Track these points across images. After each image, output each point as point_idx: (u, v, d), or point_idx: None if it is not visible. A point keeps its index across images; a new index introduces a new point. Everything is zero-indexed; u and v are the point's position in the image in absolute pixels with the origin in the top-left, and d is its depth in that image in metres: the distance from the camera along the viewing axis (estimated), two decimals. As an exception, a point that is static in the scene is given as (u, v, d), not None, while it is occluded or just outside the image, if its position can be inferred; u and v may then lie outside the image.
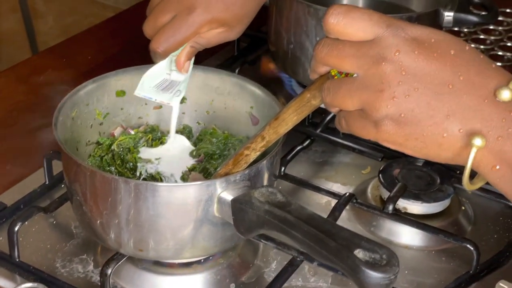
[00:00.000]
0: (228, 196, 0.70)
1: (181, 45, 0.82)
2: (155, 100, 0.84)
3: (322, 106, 0.68)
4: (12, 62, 1.18)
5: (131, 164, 0.83)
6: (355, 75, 0.60)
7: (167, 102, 0.84)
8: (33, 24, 2.55)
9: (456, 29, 1.27)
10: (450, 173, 0.91)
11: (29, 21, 2.50)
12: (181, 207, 0.71)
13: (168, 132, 0.88)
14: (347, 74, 0.61)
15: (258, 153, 0.74)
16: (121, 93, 0.86)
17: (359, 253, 0.59)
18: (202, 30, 0.82)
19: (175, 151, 0.85)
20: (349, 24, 0.60)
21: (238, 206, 0.69)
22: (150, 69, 0.82)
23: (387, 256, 0.59)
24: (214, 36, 0.84)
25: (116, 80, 0.85)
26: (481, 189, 0.90)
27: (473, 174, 0.60)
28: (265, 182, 0.75)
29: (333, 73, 0.63)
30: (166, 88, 0.84)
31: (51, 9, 3.21)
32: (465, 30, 1.29)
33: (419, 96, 0.58)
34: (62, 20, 3.11)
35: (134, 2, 1.41)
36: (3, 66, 1.38)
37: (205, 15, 0.81)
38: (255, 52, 1.17)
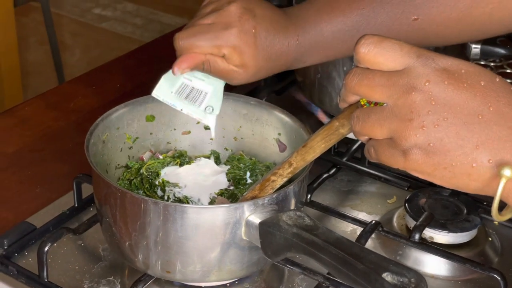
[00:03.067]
0: (256, 219, 0.71)
1: (196, 49, 0.79)
2: (181, 110, 0.82)
3: (350, 136, 0.68)
4: (38, 93, 1.20)
5: (159, 188, 0.84)
6: (384, 105, 0.61)
7: (199, 118, 0.83)
8: (61, 56, 2.59)
9: (483, 62, 1.27)
10: (476, 203, 0.91)
11: (57, 53, 2.55)
12: (209, 230, 0.71)
13: (196, 157, 0.89)
14: (376, 104, 0.62)
15: (284, 179, 0.75)
16: (151, 118, 0.87)
17: (387, 277, 0.60)
18: (221, 52, 0.80)
19: (203, 176, 0.86)
20: (380, 54, 0.61)
21: (266, 229, 0.69)
22: (169, 71, 0.81)
23: (415, 280, 0.59)
24: (225, 68, 0.81)
25: (146, 105, 0.86)
26: (508, 220, 0.91)
27: (502, 205, 0.60)
28: (292, 207, 0.75)
29: (362, 103, 0.64)
30: (189, 97, 0.82)
31: (78, 42, 3.27)
32: (492, 64, 1.29)
33: (448, 126, 0.58)
34: (88, 52, 3.17)
35: (159, 35, 1.43)
36: (30, 96, 1.41)
37: (234, 39, 0.80)
38: (282, 82, 1.18)
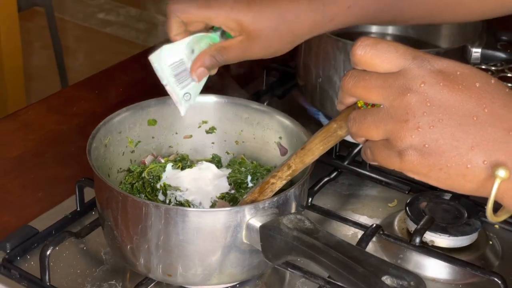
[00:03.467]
0: (257, 223, 0.71)
1: (190, 16, 0.80)
2: (165, 84, 0.82)
3: (348, 139, 0.69)
4: (41, 97, 1.21)
5: (161, 191, 0.84)
6: (381, 106, 0.61)
7: (175, 100, 0.83)
8: (64, 60, 2.60)
9: (483, 67, 1.28)
10: (477, 207, 0.91)
11: (60, 58, 2.55)
12: (210, 233, 0.72)
13: (198, 161, 0.89)
14: (373, 105, 0.62)
15: (284, 182, 0.75)
16: (152, 122, 0.88)
17: (387, 280, 0.60)
18: (217, 21, 0.81)
19: (204, 180, 0.86)
20: (376, 56, 0.61)
21: (266, 232, 0.70)
22: (173, 43, 0.81)
23: (415, 283, 0.60)
24: (233, 46, 0.82)
25: (148, 109, 0.87)
26: (508, 223, 0.92)
27: (498, 207, 0.61)
28: (293, 211, 0.75)
29: (359, 104, 0.64)
30: (179, 75, 0.82)
31: (81, 46, 3.28)
32: (493, 68, 1.29)
33: (443, 127, 0.58)
34: (92, 57, 3.17)
35: (163, 39, 1.44)
36: (33, 100, 1.41)
37: (227, 8, 0.80)
38: (284, 86, 1.19)
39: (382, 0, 0.85)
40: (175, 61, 0.82)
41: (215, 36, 0.84)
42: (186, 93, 0.83)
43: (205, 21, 0.82)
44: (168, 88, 0.82)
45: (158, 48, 0.81)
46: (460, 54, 1.01)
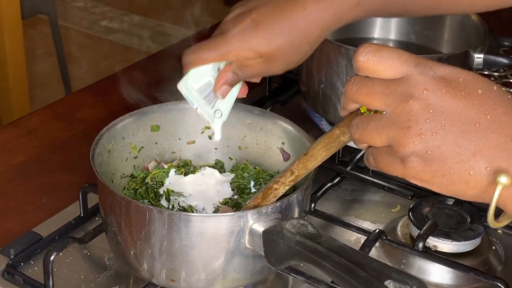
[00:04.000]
0: (260, 228, 0.71)
1: (205, 61, 0.80)
2: (196, 108, 0.82)
3: (351, 144, 0.69)
4: (45, 105, 1.21)
5: (164, 197, 0.84)
6: (383, 112, 0.62)
7: (209, 120, 0.83)
8: (68, 68, 2.61)
9: (486, 72, 1.28)
10: (480, 212, 0.91)
11: (64, 65, 2.56)
12: (213, 238, 0.72)
13: (201, 167, 0.89)
14: (376, 111, 0.63)
15: (287, 188, 0.75)
16: (155, 128, 0.88)
17: (390, 284, 0.60)
18: (234, 56, 0.80)
19: (207, 185, 0.86)
20: (378, 62, 0.61)
21: (269, 237, 0.70)
22: (198, 67, 0.81)
23: (417, 287, 0.60)
24: (254, 65, 0.82)
25: (151, 115, 0.87)
26: (511, 228, 0.92)
27: (499, 212, 0.61)
28: (296, 216, 0.76)
29: (362, 110, 0.64)
30: (208, 96, 0.82)
31: (85, 54, 3.28)
32: (495, 74, 1.30)
33: (445, 134, 0.59)
34: (96, 64, 3.18)
35: (166, 46, 1.44)
36: (37, 108, 1.42)
37: (237, 39, 0.80)
38: (286, 92, 1.19)
39: None
40: (202, 84, 0.82)
41: None
42: (217, 110, 0.84)
43: (221, 60, 0.81)
44: (199, 111, 0.83)
45: (185, 75, 0.81)
46: (462, 60, 1.01)
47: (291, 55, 0.83)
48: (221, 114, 0.84)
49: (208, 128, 0.90)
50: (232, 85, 0.82)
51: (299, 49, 0.83)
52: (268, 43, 0.80)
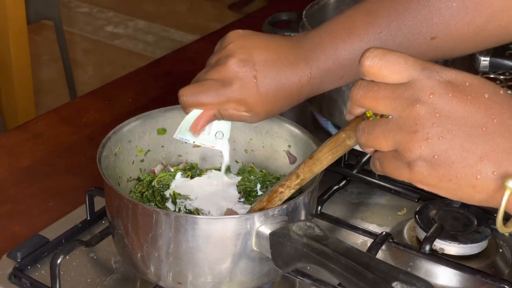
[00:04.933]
0: (266, 230, 0.71)
1: (201, 106, 0.82)
2: (193, 142, 0.85)
3: (356, 147, 0.69)
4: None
5: (171, 200, 0.84)
6: (390, 117, 0.61)
7: (210, 146, 0.86)
8: (73, 73, 2.61)
9: (492, 75, 1.28)
10: (487, 215, 0.91)
11: (69, 71, 2.57)
12: (220, 241, 0.72)
13: (207, 169, 0.90)
14: (382, 116, 0.63)
15: (292, 191, 0.75)
16: (162, 131, 0.88)
17: (397, 286, 0.60)
18: (227, 106, 0.82)
19: (214, 188, 0.86)
20: (384, 67, 0.61)
21: (276, 239, 0.70)
22: (189, 114, 0.84)
23: (425, 289, 0.60)
24: (236, 115, 0.83)
25: (158, 118, 0.87)
26: (519, 231, 0.91)
27: (508, 217, 0.61)
28: (302, 218, 0.76)
29: (368, 115, 0.64)
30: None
31: (90, 59, 3.29)
32: (501, 77, 1.29)
33: (452, 138, 0.59)
34: (100, 70, 3.19)
35: (171, 51, 1.45)
36: (42, 113, 1.42)
37: (236, 94, 0.81)
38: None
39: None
40: (191, 121, 0.84)
41: None
42: (217, 132, 0.85)
43: (218, 109, 0.83)
44: (198, 143, 0.86)
45: (179, 127, 0.85)
46: (468, 63, 1.01)
47: (275, 112, 0.85)
48: (223, 135, 0.86)
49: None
50: (208, 123, 0.84)
51: (285, 107, 0.85)
52: (263, 104, 0.82)
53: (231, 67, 0.81)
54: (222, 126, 0.86)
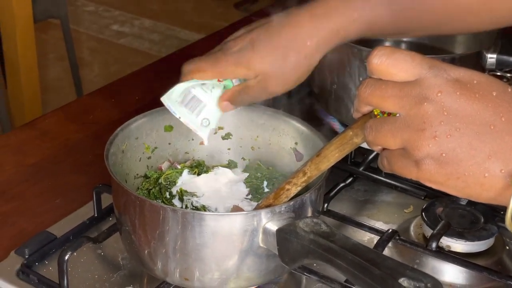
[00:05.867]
0: (273, 227, 0.71)
1: (201, 73, 0.83)
2: (179, 117, 0.84)
3: (363, 145, 0.69)
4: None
5: (177, 197, 0.85)
6: (397, 115, 0.61)
7: (193, 128, 0.85)
8: (79, 72, 2.62)
9: (499, 73, 1.27)
10: (493, 212, 0.91)
11: (75, 69, 2.57)
12: (227, 237, 0.72)
13: (214, 167, 0.90)
14: (389, 114, 0.63)
15: (299, 188, 0.75)
16: (169, 128, 0.88)
17: (404, 282, 0.60)
18: (227, 71, 0.83)
19: (220, 185, 0.86)
20: (392, 65, 0.61)
21: (283, 235, 0.70)
22: (183, 84, 0.84)
23: (432, 285, 0.60)
24: (253, 86, 0.84)
25: (165, 115, 0.87)
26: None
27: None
28: (309, 215, 0.76)
29: (376, 113, 0.64)
30: (189, 105, 0.84)
31: (96, 58, 3.30)
32: (508, 75, 1.29)
33: (460, 136, 0.59)
34: (107, 68, 3.20)
35: (177, 50, 1.45)
36: (49, 111, 1.42)
37: (234, 56, 0.83)
38: (298, 93, 1.19)
39: (390, 12, 0.84)
40: (185, 98, 0.84)
41: (229, 82, 0.85)
42: (204, 118, 0.85)
43: (218, 77, 0.84)
44: (183, 120, 0.85)
45: (170, 90, 0.84)
46: (475, 60, 1.01)
47: (288, 73, 0.84)
48: (209, 123, 0.85)
49: (221, 128, 0.90)
50: (234, 104, 0.85)
51: (296, 66, 0.84)
52: (262, 60, 0.82)
53: (229, 40, 0.85)
54: (211, 115, 0.85)
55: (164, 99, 0.84)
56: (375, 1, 0.83)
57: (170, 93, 0.84)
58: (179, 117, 0.84)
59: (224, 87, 0.85)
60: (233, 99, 0.85)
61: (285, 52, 0.83)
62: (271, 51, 0.83)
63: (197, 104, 0.84)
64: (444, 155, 0.59)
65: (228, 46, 0.84)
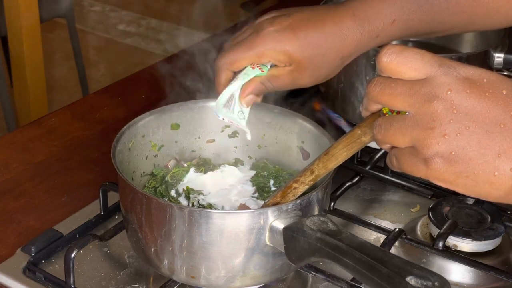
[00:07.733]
0: (280, 225, 0.71)
1: (241, 61, 0.81)
2: (223, 119, 0.83)
3: (370, 144, 0.69)
4: (63, 108, 1.22)
5: (184, 195, 0.85)
6: (407, 113, 0.61)
7: (237, 125, 0.84)
8: (86, 71, 2.62)
9: (506, 73, 1.27)
10: (500, 212, 0.91)
11: (82, 69, 2.58)
12: (233, 235, 0.72)
13: (220, 165, 0.90)
14: (398, 112, 0.62)
15: (306, 187, 0.75)
16: (175, 126, 0.88)
17: (411, 280, 0.60)
18: (264, 56, 0.81)
19: (227, 183, 0.86)
20: (402, 63, 0.61)
21: (289, 234, 0.70)
22: (225, 89, 0.83)
23: (439, 284, 0.60)
24: (283, 75, 0.83)
25: (171, 113, 0.87)
26: (532, 228, 0.91)
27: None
28: (315, 214, 0.75)
29: (384, 111, 0.64)
30: (228, 103, 0.83)
31: (102, 57, 3.30)
32: (514, 74, 1.29)
33: (470, 135, 0.58)
34: (113, 68, 3.20)
35: (183, 49, 1.45)
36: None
37: (271, 40, 0.81)
38: (305, 92, 1.19)
39: (424, 12, 0.84)
40: (227, 99, 0.83)
41: (265, 68, 0.84)
42: (239, 111, 0.84)
43: (254, 61, 0.82)
44: (227, 120, 0.84)
45: (216, 101, 0.84)
46: (482, 59, 1.01)
47: (321, 68, 0.83)
48: (243, 115, 0.84)
49: (227, 127, 0.90)
50: (258, 95, 0.83)
51: (330, 63, 0.83)
52: (302, 50, 0.81)
53: (264, 20, 0.82)
54: (243, 108, 0.84)
55: (216, 112, 0.84)
56: (412, 3, 0.83)
57: (217, 104, 0.83)
58: (223, 119, 0.84)
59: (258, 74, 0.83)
60: (258, 89, 0.83)
61: (324, 47, 0.82)
62: (311, 43, 0.81)
63: (231, 99, 0.84)
64: (453, 153, 0.59)
65: (264, 26, 0.81)
